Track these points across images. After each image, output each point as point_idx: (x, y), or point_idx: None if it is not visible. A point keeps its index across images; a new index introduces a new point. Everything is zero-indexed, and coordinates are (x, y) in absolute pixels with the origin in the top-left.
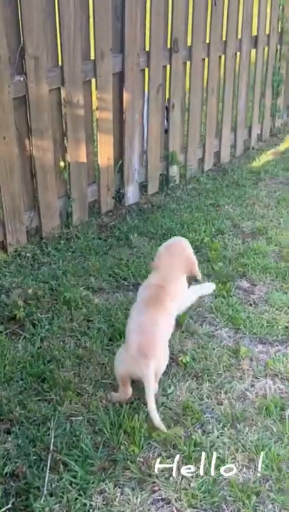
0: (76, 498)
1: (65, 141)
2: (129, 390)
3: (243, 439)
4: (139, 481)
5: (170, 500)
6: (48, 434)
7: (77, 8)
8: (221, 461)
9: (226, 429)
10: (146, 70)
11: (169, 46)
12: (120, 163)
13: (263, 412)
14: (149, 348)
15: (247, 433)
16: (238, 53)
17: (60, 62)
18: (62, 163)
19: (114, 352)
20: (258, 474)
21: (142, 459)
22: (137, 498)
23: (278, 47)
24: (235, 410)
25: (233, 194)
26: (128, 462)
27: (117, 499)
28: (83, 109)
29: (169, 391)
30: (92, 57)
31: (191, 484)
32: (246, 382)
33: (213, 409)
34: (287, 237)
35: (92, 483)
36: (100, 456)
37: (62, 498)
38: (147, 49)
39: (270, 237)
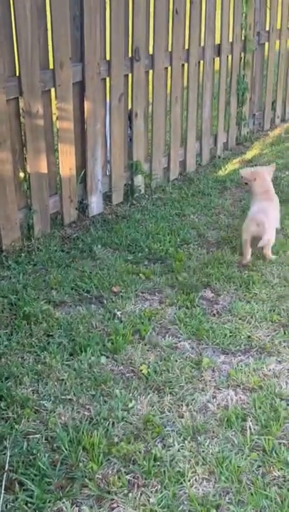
0: None
1: (25, 151)
2: (250, 254)
3: (203, 451)
4: (97, 498)
5: None
6: (4, 454)
7: (34, 17)
8: (181, 476)
9: (186, 442)
10: (108, 79)
11: (130, 55)
12: (83, 173)
13: (224, 423)
14: (266, 219)
15: (208, 445)
16: (202, 61)
17: (17, 72)
18: (21, 174)
19: (75, 367)
20: (218, 487)
21: (100, 476)
22: None
23: (242, 55)
24: (196, 423)
25: (198, 203)
26: (86, 479)
27: None
28: (43, 120)
29: (130, 405)
30: (52, 67)
31: (150, 500)
32: (208, 394)
33: (174, 422)
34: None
35: (49, 502)
36: (57, 474)
37: None
38: (108, 58)
39: (234, 246)
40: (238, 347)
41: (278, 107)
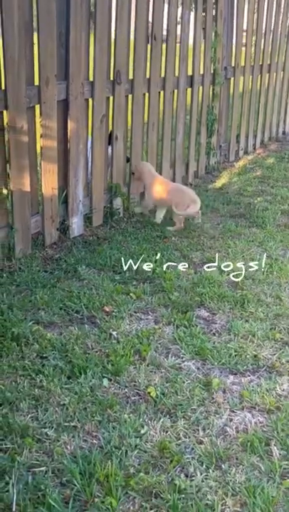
0: None
1: (8, 168)
2: None
3: (230, 480)
4: None
5: None
6: (8, 491)
7: (21, 32)
8: (211, 509)
9: (210, 470)
10: (91, 100)
11: (112, 78)
12: (65, 193)
13: (247, 448)
14: None
15: (234, 474)
16: (176, 91)
17: (3, 86)
18: (4, 191)
19: (76, 391)
20: None
21: None
22: None
23: (211, 87)
24: (217, 449)
25: (178, 229)
26: None
27: None
28: (27, 136)
29: (142, 431)
30: (37, 83)
31: None
32: (224, 417)
33: (192, 448)
34: (239, 265)
35: None
36: None
37: None
38: (91, 79)
39: (220, 266)
40: (245, 367)
41: (242, 140)
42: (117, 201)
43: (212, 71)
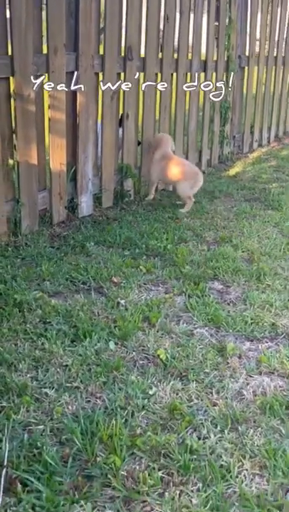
0: None
1: (14, 139)
2: None
3: (248, 443)
4: (124, 500)
5: None
6: (0, 448)
7: None
8: (227, 471)
9: (225, 432)
10: (101, 74)
11: (123, 54)
12: (73, 170)
13: (266, 411)
14: None
15: (252, 436)
16: (189, 74)
17: (10, 52)
18: (10, 161)
19: (80, 353)
20: (276, 484)
21: (125, 473)
22: None
23: (225, 74)
24: (233, 411)
25: (190, 209)
26: (108, 477)
27: None
28: (34, 106)
29: (151, 392)
30: (45, 52)
31: (193, 501)
32: (240, 381)
33: (206, 410)
34: (254, 243)
35: (63, 505)
36: (69, 471)
37: None
38: (102, 53)
39: (235, 244)
40: (262, 334)
41: (256, 132)
42: (127, 183)
43: (226, 57)
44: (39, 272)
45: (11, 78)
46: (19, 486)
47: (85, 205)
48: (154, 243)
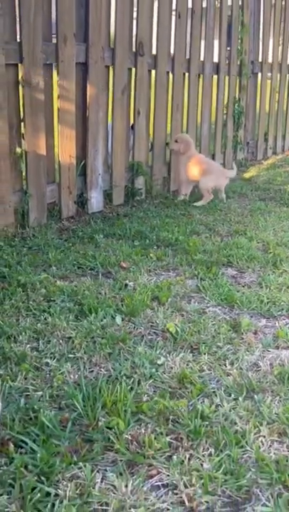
0: (34, 487)
1: (23, 128)
2: None
3: (265, 411)
4: (128, 463)
5: (176, 485)
6: None
7: None
8: (242, 437)
9: (239, 400)
10: (111, 68)
11: (134, 50)
12: (83, 164)
13: (285, 381)
14: None
15: (269, 404)
16: (201, 75)
17: (18, 39)
18: (18, 150)
19: (85, 327)
20: None
21: (129, 437)
22: (126, 486)
23: (238, 78)
24: (249, 380)
25: (203, 207)
26: (111, 441)
27: (97, 487)
28: (43, 94)
29: (159, 362)
30: (55, 42)
31: (204, 465)
32: (255, 354)
33: (218, 380)
34: (269, 236)
35: (59, 467)
36: (68, 436)
37: (13, 486)
38: (112, 46)
39: (250, 236)
40: (280, 312)
41: (270, 140)
42: (138, 180)
43: (238, 62)
44: (45, 259)
45: (19, 65)
46: (11, 446)
47: (95, 200)
48: (165, 235)
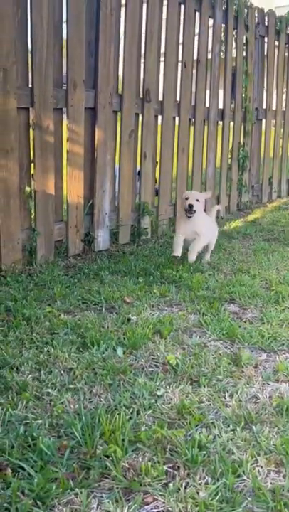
0: (30, 511)
1: (32, 169)
2: None
3: (263, 442)
4: (124, 490)
5: None
6: None
7: (50, 30)
8: (239, 466)
9: (237, 430)
10: (119, 114)
11: (141, 96)
12: (90, 203)
13: (283, 413)
14: None
15: (267, 435)
16: (206, 121)
17: (30, 84)
18: (28, 189)
19: (86, 358)
20: None
21: (127, 465)
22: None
23: (243, 124)
24: (247, 412)
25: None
26: (108, 468)
27: None
28: (53, 137)
29: (159, 393)
30: (65, 88)
31: (200, 493)
32: (255, 386)
33: (217, 411)
34: (272, 274)
35: (55, 492)
36: (66, 463)
37: (9, 510)
38: (120, 92)
39: (253, 274)
40: (280, 347)
41: (275, 183)
42: (144, 220)
43: (243, 108)
44: (51, 294)
45: (30, 109)
46: (9, 471)
47: (102, 239)
48: (169, 272)
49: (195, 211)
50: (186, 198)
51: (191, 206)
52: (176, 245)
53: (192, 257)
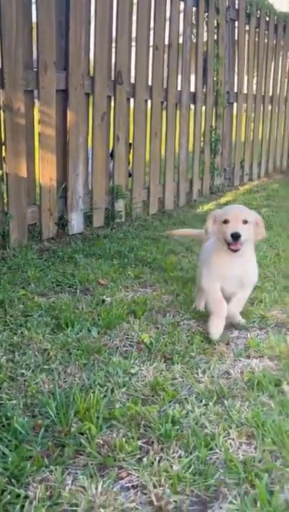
0: (4, 489)
1: (3, 151)
2: None
3: (235, 415)
4: (98, 466)
5: (145, 486)
6: None
7: (19, 10)
8: (211, 439)
9: (210, 405)
10: (91, 96)
11: (113, 78)
12: (64, 187)
13: (254, 387)
14: None
15: (239, 409)
16: (179, 105)
17: (0, 66)
18: None
19: (60, 339)
20: (265, 451)
21: (101, 441)
22: (96, 487)
23: (215, 108)
24: (220, 387)
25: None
26: (83, 445)
27: (67, 488)
28: (24, 119)
29: (133, 371)
30: (35, 69)
31: (174, 467)
32: (227, 362)
33: (190, 387)
34: None
35: (30, 470)
36: (41, 441)
37: None
38: (92, 74)
39: None
40: (251, 324)
41: (246, 167)
42: (118, 203)
43: (215, 92)
44: (25, 277)
45: (0, 91)
46: None
47: (76, 222)
48: (143, 254)
49: (243, 242)
50: (226, 221)
51: (238, 236)
52: (214, 301)
53: (236, 319)
